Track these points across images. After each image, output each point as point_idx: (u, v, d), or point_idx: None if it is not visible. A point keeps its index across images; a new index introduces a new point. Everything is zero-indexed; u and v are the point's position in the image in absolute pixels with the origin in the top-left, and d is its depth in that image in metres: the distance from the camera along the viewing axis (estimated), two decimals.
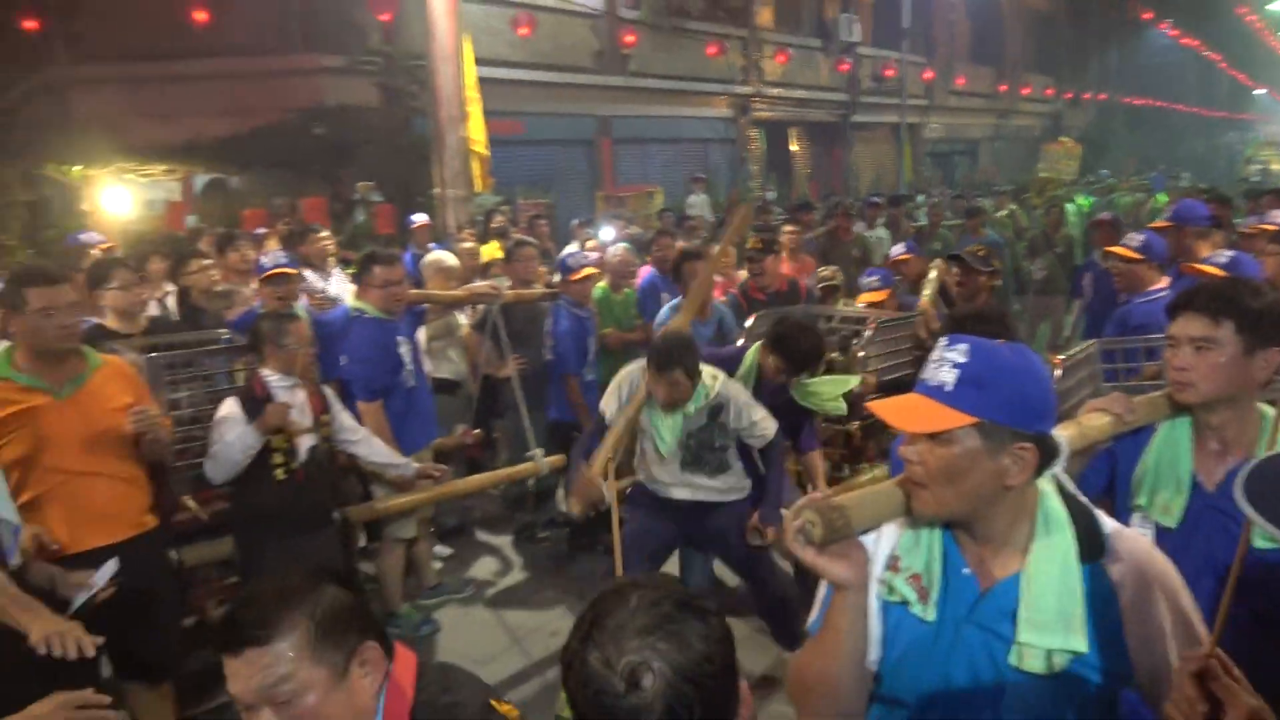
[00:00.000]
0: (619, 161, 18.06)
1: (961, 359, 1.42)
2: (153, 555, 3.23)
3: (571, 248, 7.37)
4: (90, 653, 2.17)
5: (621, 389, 3.74)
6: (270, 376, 3.53)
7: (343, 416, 3.81)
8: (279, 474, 3.47)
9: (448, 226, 8.79)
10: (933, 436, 1.41)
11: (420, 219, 8.37)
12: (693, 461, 3.68)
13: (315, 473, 3.58)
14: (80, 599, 2.50)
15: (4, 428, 2.86)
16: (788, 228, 7.16)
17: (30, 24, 12.46)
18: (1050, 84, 30.46)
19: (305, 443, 3.56)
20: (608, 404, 3.76)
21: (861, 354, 4.32)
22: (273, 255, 4.82)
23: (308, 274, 5.42)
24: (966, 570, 1.49)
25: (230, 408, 3.42)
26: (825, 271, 5.85)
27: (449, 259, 5.63)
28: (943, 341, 1.48)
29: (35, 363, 2.96)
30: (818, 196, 17.88)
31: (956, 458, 1.39)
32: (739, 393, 3.69)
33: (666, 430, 3.64)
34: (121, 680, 3.15)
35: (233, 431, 3.38)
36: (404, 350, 4.36)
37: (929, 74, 24.43)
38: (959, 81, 26.20)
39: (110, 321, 4.13)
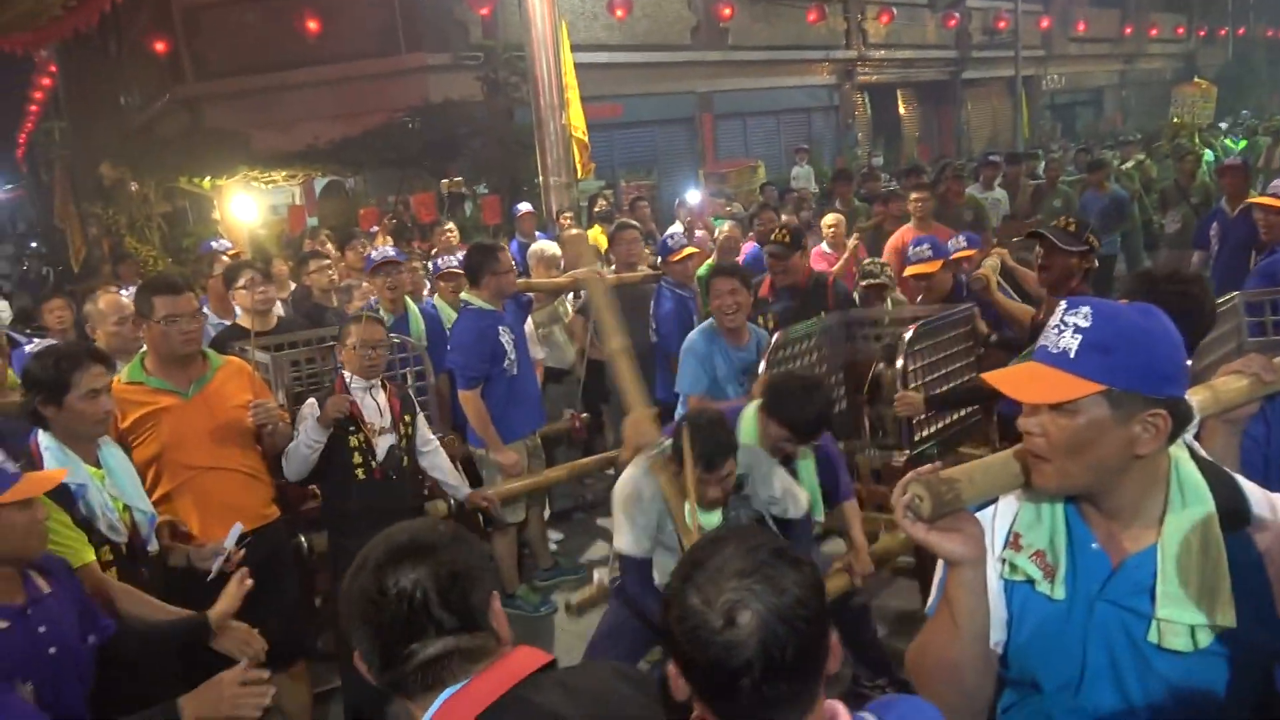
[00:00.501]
0: (720, 137, 17.91)
1: (1084, 324, 1.34)
2: (278, 543, 3.39)
3: (674, 228, 7.35)
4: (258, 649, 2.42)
5: (636, 519, 2.98)
6: (349, 376, 3.59)
7: (421, 422, 3.82)
8: (359, 474, 3.51)
9: (552, 214, 8.92)
10: (1055, 407, 1.33)
11: (524, 208, 8.52)
12: None
13: (396, 472, 3.60)
14: (216, 564, 2.72)
15: (138, 428, 3.05)
16: (915, 195, 6.20)
17: (160, 46, 13.26)
18: (1181, 22, 28.45)
19: (384, 443, 3.58)
20: (621, 542, 3.03)
21: (901, 366, 3.61)
22: (380, 250, 5.05)
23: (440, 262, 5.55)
24: (1095, 545, 1.41)
25: (310, 406, 3.47)
26: (871, 266, 5.08)
27: (551, 248, 5.70)
28: (1062, 305, 1.40)
29: (163, 366, 3.16)
30: (928, 160, 17.26)
31: (1082, 428, 1.32)
32: (759, 459, 3.09)
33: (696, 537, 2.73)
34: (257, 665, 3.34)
35: (303, 428, 3.45)
36: (506, 339, 4.42)
37: (1045, 22, 23.13)
38: (1079, 27, 24.74)
39: (243, 320, 4.40)
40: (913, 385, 3.61)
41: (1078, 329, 1.34)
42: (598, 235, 8.28)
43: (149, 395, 3.12)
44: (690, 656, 1.11)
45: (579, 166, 9.17)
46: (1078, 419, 1.32)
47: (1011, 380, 1.40)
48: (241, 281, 4.41)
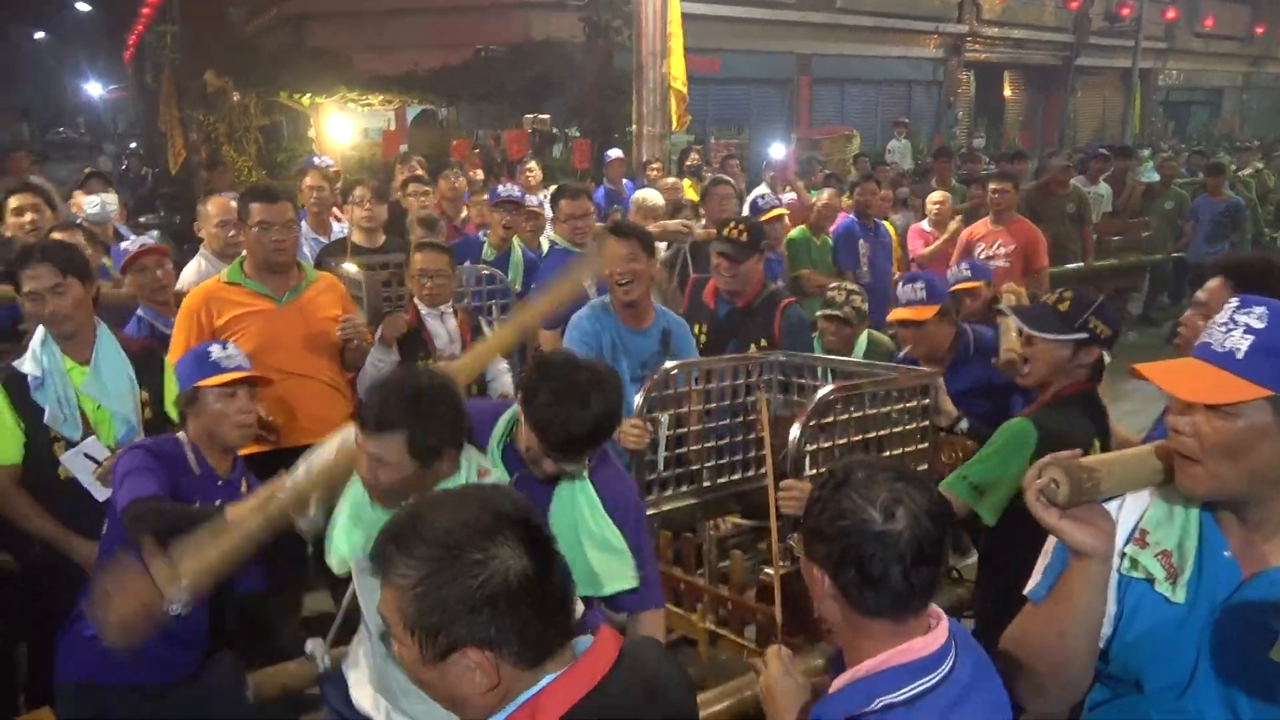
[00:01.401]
0: (816, 102, 17.52)
1: (1258, 325, 1.27)
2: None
3: (761, 189, 7.25)
4: None
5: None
6: (420, 303, 3.65)
7: None
8: None
9: (641, 163, 8.87)
10: (1212, 408, 1.27)
11: (614, 155, 8.49)
12: None
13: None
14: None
15: (231, 326, 3.14)
16: (994, 185, 5.72)
17: None
18: None
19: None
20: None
21: (795, 440, 2.51)
22: (508, 186, 5.12)
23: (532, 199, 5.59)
24: (1228, 554, 1.36)
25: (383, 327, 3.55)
26: (834, 293, 4.04)
27: (654, 197, 5.67)
28: (1233, 303, 1.33)
29: (259, 271, 3.26)
30: (1030, 147, 16.66)
31: (1240, 432, 1.25)
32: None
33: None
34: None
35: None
36: (589, 284, 4.43)
37: (1171, 13, 21.94)
38: (1206, 22, 23.44)
39: (355, 236, 4.50)
40: (810, 472, 2.49)
41: (1250, 329, 1.27)
42: (688, 190, 8.23)
43: (245, 297, 3.22)
44: (846, 552, 1.28)
45: (674, 118, 9.07)
46: (1237, 422, 1.26)
47: (1167, 374, 1.33)
48: (354, 197, 4.52)
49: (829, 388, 2.62)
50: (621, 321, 3.32)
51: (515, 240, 4.80)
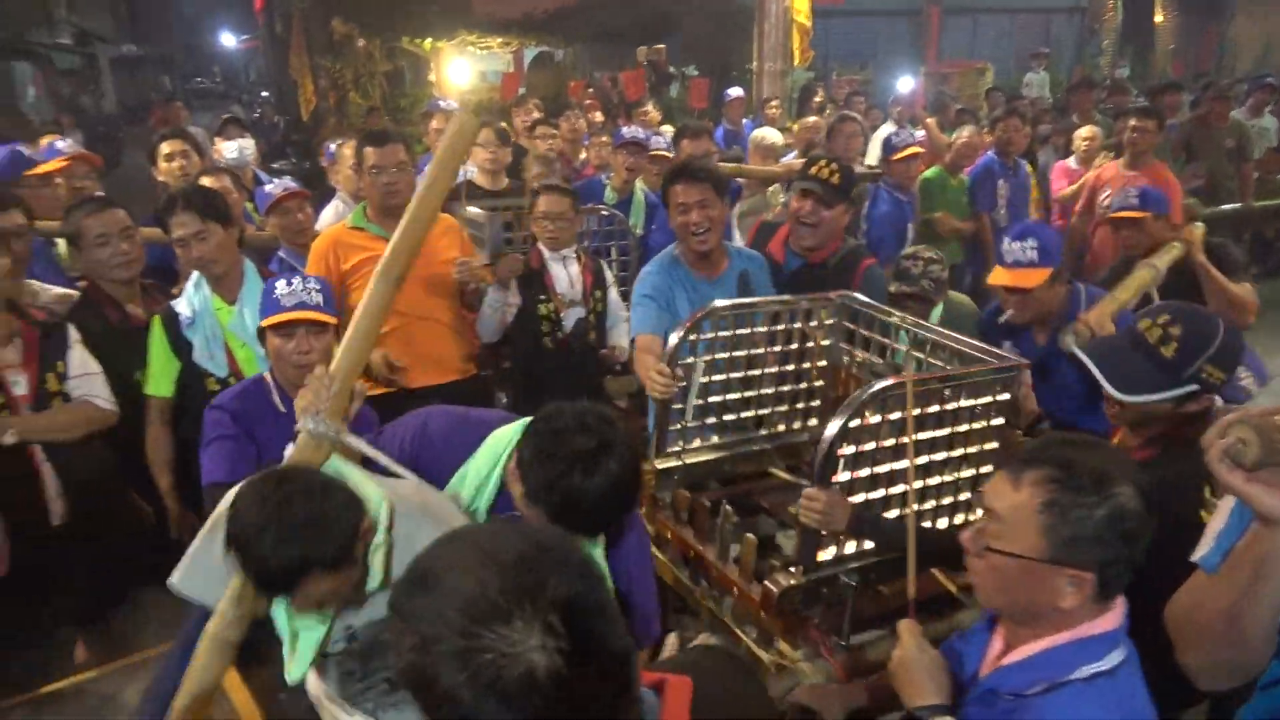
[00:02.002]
0: (946, 34, 16.65)
1: None
2: (476, 397, 3.50)
3: (887, 128, 6.93)
4: None
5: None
6: (543, 247, 3.62)
7: (612, 296, 3.80)
8: (546, 342, 3.59)
9: (761, 101, 8.63)
10: None
11: (734, 93, 8.27)
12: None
13: (580, 345, 3.64)
14: None
15: (356, 271, 3.19)
16: (1134, 121, 4.86)
17: None
18: None
19: (572, 315, 3.61)
20: None
21: (828, 443, 1.99)
22: (631, 128, 5.08)
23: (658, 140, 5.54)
24: None
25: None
26: (908, 264, 3.34)
27: (772, 136, 5.52)
28: None
29: (379, 215, 3.28)
30: (1182, 76, 15.40)
31: None
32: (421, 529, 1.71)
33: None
34: None
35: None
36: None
37: None
38: None
39: (477, 178, 4.55)
40: (842, 477, 2.05)
41: None
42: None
43: (368, 241, 3.25)
44: (1121, 546, 1.30)
45: (796, 53, 8.78)
46: None
47: None
48: (479, 140, 4.55)
49: (885, 382, 2.01)
50: (693, 272, 3.04)
51: (638, 183, 4.75)
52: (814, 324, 2.69)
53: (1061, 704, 1.31)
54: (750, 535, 2.22)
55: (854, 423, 1.97)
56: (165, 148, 4.34)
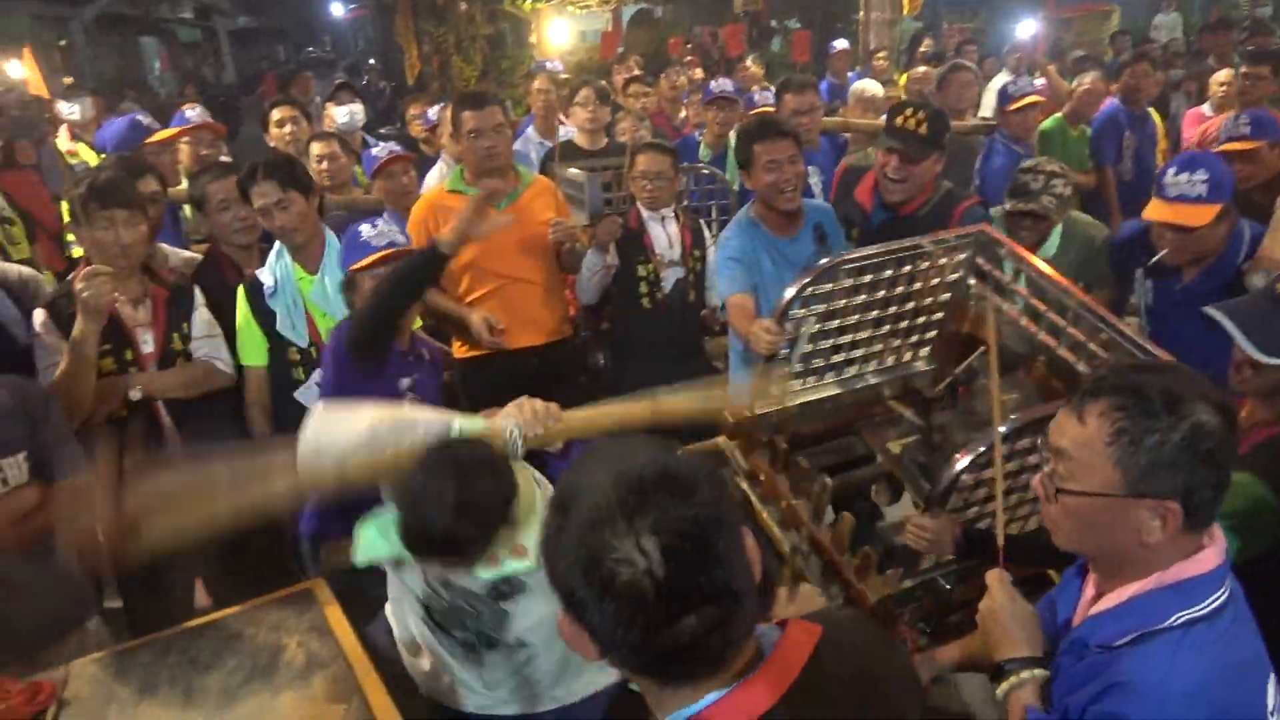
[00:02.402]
0: None
1: None
2: (571, 360, 3.53)
3: (1002, 77, 6.58)
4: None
5: None
6: (641, 206, 3.56)
7: (712, 254, 3.65)
8: (644, 303, 3.53)
9: (868, 53, 8.32)
10: None
11: (840, 45, 7.99)
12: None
13: (680, 305, 3.58)
14: None
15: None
16: (1245, 68, 4.31)
17: None
18: None
19: (671, 275, 3.55)
20: None
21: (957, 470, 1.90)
22: (720, 83, 5.00)
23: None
24: None
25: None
26: (1026, 177, 3.02)
27: (873, 87, 5.31)
28: None
29: (478, 178, 3.27)
30: None
31: None
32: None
33: None
34: None
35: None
36: (814, 180, 4.21)
37: None
38: None
39: (577, 138, 4.54)
40: (957, 504, 1.95)
41: None
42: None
43: (465, 204, 3.27)
44: (1204, 470, 1.21)
45: (905, 1, 8.42)
46: None
47: None
48: (579, 99, 4.52)
49: (1008, 426, 1.81)
50: (772, 233, 2.96)
51: (732, 137, 4.65)
52: (944, 260, 2.54)
53: (1152, 656, 1.22)
54: (848, 514, 2.18)
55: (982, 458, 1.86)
56: (276, 114, 4.47)
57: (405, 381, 2.47)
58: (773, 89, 5.18)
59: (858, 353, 2.63)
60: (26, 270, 2.90)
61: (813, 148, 4.20)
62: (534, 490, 1.79)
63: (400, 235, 2.54)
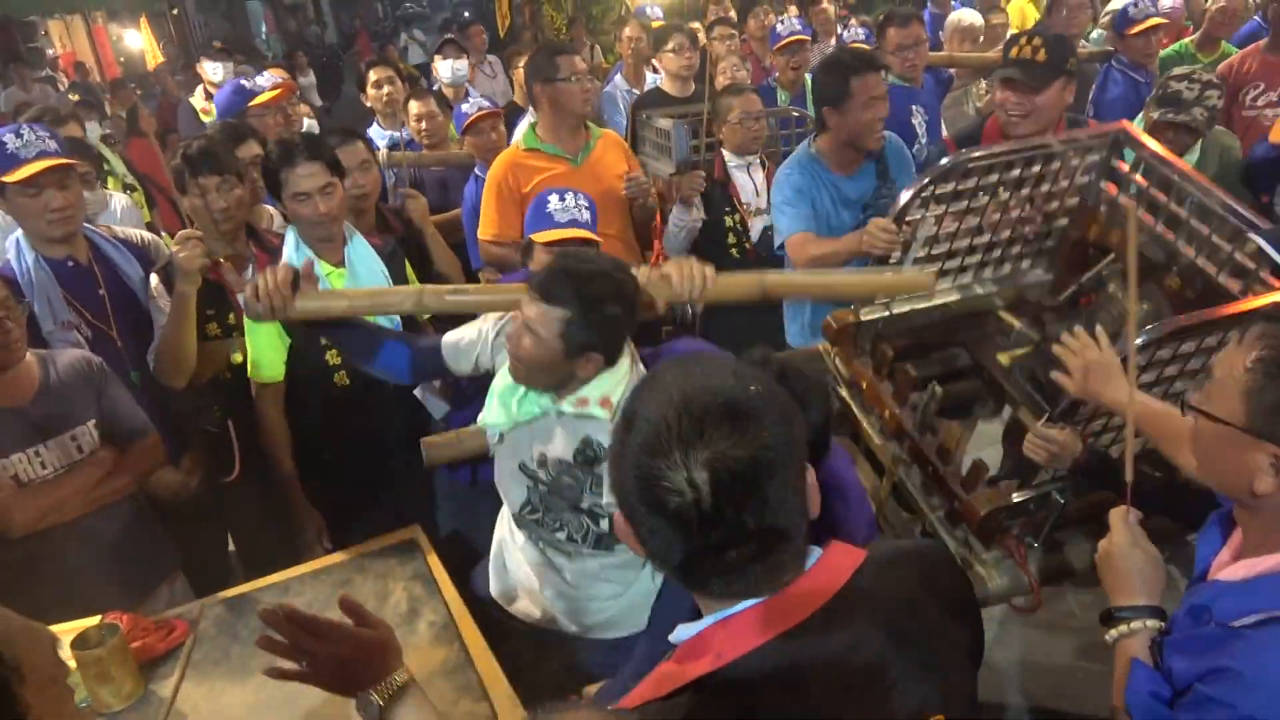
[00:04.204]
0: None
1: None
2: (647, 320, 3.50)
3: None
4: None
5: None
6: (728, 155, 3.48)
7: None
8: (734, 253, 3.48)
9: None
10: None
11: None
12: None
13: (768, 254, 3.45)
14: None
15: (539, 191, 3.19)
16: None
17: None
18: None
19: (759, 224, 3.48)
20: None
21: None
22: (788, 22, 4.80)
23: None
24: None
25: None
26: (1178, 85, 2.86)
27: (970, 16, 5.02)
28: None
29: (554, 133, 3.25)
30: None
31: None
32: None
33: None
34: None
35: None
36: (918, 120, 4.03)
37: None
38: None
39: (665, 85, 4.47)
40: (1082, 422, 1.88)
41: None
42: (1025, 5, 7.19)
43: (546, 161, 3.25)
44: None
45: None
46: None
47: None
48: (670, 45, 4.45)
49: (1145, 336, 1.72)
50: (834, 170, 2.87)
51: (809, 79, 4.50)
52: (1075, 161, 2.42)
53: (1270, 648, 1.11)
54: (956, 424, 2.14)
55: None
56: (373, 75, 4.54)
57: None
58: (860, 24, 4.96)
59: (974, 259, 2.54)
60: (148, 235, 3.03)
61: (916, 85, 4.01)
62: (630, 362, 1.91)
63: (586, 211, 2.46)
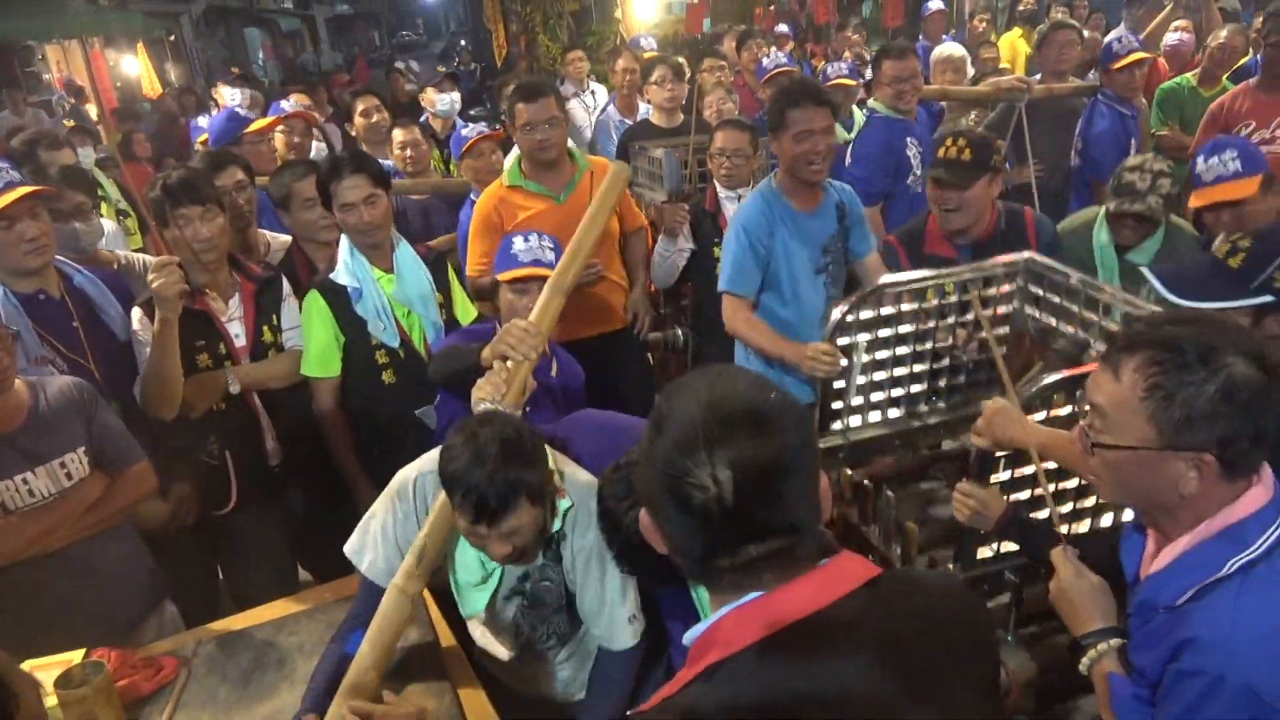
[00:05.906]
0: None
1: None
2: (632, 350, 3.53)
3: (1119, 31, 6.21)
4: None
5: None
6: (718, 184, 3.48)
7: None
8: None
9: (964, 14, 7.98)
10: None
11: (935, 6, 7.68)
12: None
13: None
14: None
15: (522, 229, 3.07)
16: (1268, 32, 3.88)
17: None
18: None
19: None
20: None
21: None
22: (774, 56, 4.89)
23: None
24: None
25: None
26: (1129, 175, 2.88)
27: (956, 50, 5.08)
28: None
29: (534, 170, 3.25)
30: None
31: None
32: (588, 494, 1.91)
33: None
34: None
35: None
36: (912, 152, 4.07)
37: None
38: None
39: (653, 117, 4.51)
40: (1000, 477, 1.95)
41: None
42: (1016, 40, 7.32)
43: (526, 199, 3.24)
44: (1241, 420, 1.20)
45: None
46: None
47: None
48: (654, 77, 4.49)
49: (1057, 376, 1.88)
50: (794, 205, 2.88)
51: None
52: (993, 290, 2.51)
53: (1214, 610, 1.22)
54: (911, 525, 2.17)
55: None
56: (360, 104, 4.57)
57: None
58: (846, 61, 5.02)
59: (919, 387, 2.63)
60: (124, 254, 3.00)
61: (910, 118, 4.06)
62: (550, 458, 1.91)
63: (549, 252, 2.50)
